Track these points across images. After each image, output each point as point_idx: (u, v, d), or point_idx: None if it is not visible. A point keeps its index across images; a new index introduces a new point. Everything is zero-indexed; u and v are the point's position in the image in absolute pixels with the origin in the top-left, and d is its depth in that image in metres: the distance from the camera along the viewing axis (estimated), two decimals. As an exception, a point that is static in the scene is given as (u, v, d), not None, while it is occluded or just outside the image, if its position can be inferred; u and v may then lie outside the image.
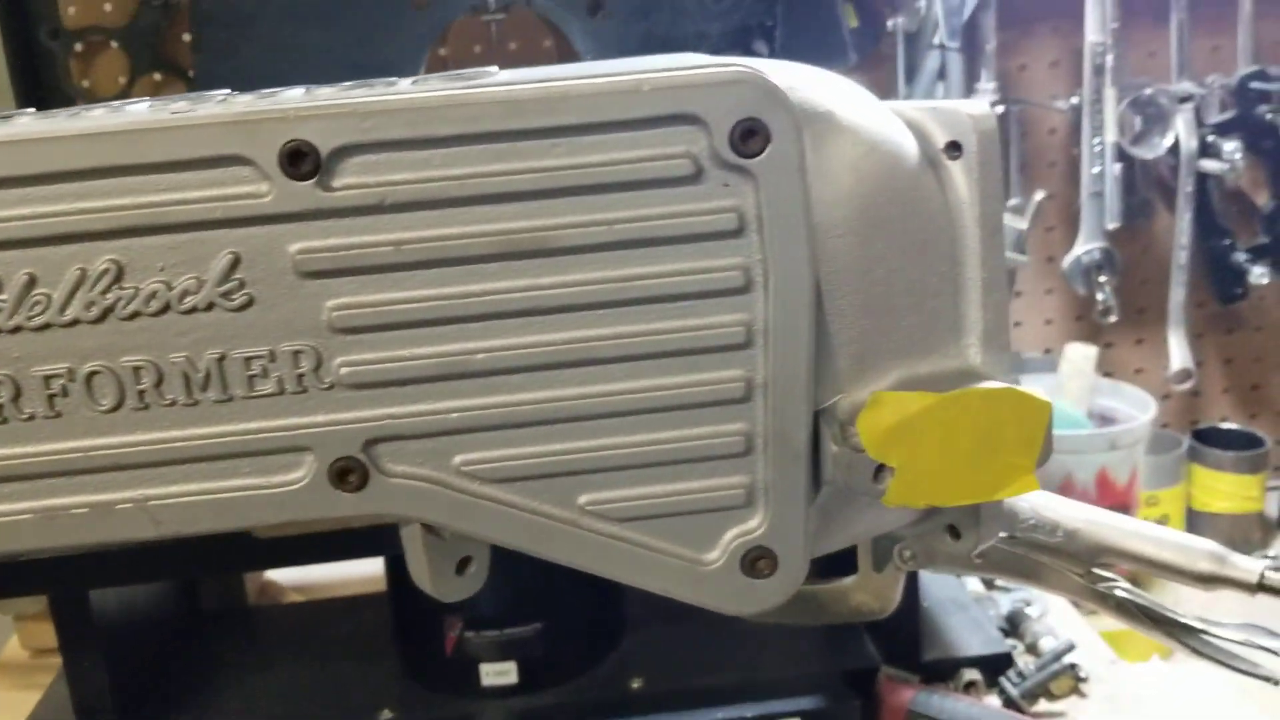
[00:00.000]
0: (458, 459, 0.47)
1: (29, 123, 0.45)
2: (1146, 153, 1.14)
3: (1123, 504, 1.04)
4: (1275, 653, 0.66)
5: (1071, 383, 1.12)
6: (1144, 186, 1.21)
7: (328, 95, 0.45)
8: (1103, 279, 1.20)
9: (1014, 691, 0.82)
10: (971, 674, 0.84)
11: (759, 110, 0.44)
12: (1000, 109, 1.13)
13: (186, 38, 1.10)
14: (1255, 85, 1.15)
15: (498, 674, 0.81)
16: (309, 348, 0.45)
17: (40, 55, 1.08)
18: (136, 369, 0.45)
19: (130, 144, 0.42)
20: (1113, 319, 1.22)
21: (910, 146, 0.52)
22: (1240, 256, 1.20)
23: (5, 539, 0.45)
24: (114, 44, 1.10)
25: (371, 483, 0.46)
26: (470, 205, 0.44)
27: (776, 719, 0.76)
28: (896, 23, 1.13)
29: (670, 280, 0.45)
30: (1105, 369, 1.32)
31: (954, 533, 0.59)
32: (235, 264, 0.44)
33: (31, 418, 0.44)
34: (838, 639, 0.84)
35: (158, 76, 1.11)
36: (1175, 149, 1.15)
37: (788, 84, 0.49)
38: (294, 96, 0.46)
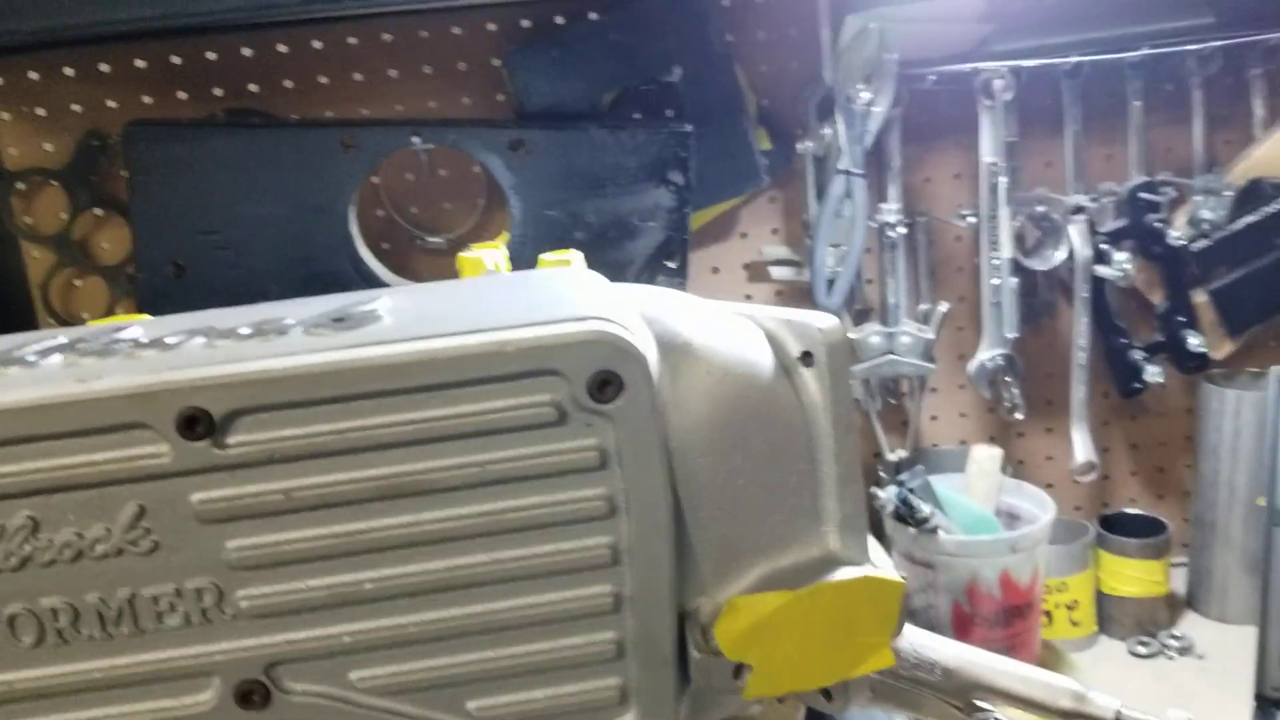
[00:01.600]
0: (354, 675, 0.51)
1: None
2: (1041, 264, 1.20)
3: (1026, 601, 1.10)
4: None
5: (978, 483, 1.18)
6: (1045, 289, 1.27)
7: (224, 354, 0.49)
8: (1008, 379, 1.27)
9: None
10: (885, 789, 0.89)
11: (612, 363, 0.49)
12: (904, 229, 1.19)
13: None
14: (1143, 195, 1.22)
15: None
16: (212, 584, 0.49)
17: (-18, 197, 1.12)
18: (54, 610, 0.49)
19: (42, 417, 0.47)
20: (1019, 417, 1.28)
21: (764, 362, 0.58)
22: (1137, 355, 1.26)
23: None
24: (54, 183, 1.14)
25: (274, 701, 0.51)
26: (353, 454, 0.49)
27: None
28: (806, 147, 1.18)
29: (542, 511, 0.50)
30: (1019, 457, 1.38)
31: (827, 695, 0.64)
32: (140, 514, 0.48)
33: (-43, 656, 0.49)
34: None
35: (99, 212, 1.15)
36: (1072, 255, 1.22)
37: (651, 315, 0.54)
38: (193, 353, 0.50)
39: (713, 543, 0.54)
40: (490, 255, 0.80)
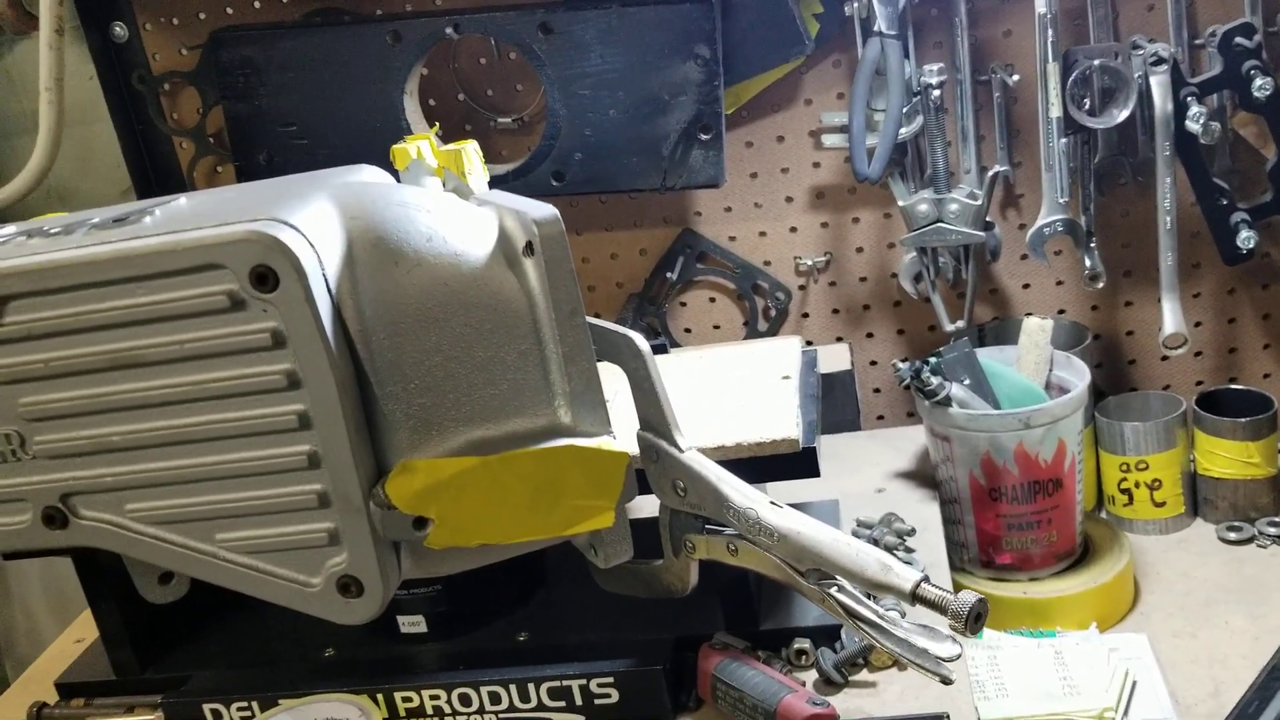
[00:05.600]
0: (129, 507, 0.64)
1: None
2: (1102, 123, 1.11)
3: (1051, 477, 1.06)
4: (942, 658, 0.72)
5: (1028, 355, 1.13)
6: (1115, 148, 1.18)
7: (16, 250, 0.62)
8: (1092, 245, 1.19)
9: (826, 662, 0.90)
10: (802, 643, 0.92)
11: (267, 259, 0.57)
12: (938, 91, 1.14)
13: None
14: (1239, 40, 1.09)
15: (411, 624, 0.98)
16: (14, 431, 0.63)
17: (135, 97, 1.33)
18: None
19: None
20: (1099, 285, 1.20)
21: (476, 252, 0.63)
22: (1237, 217, 1.14)
23: None
24: (190, 85, 1.32)
25: (71, 524, 0.65)
26: (85, 332, 0.60)
27: (593, 678, 0.89)
28: (853, 8, 1.16)
29: (234, 382, 0.60)
30: (1128, 327, 1.30)
31: (593, 551, 0.71)
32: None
33: None
34: (694, 607, 0.94)
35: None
36: (1149, 114, 1.11)
37: (355, 214, 0.62)
38: (4, 249, 0.63)
39: (408, 412, 0.62)
40: (414, 146, 0.88)
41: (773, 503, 0.78)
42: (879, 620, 0.74)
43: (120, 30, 1.31)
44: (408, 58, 1.18)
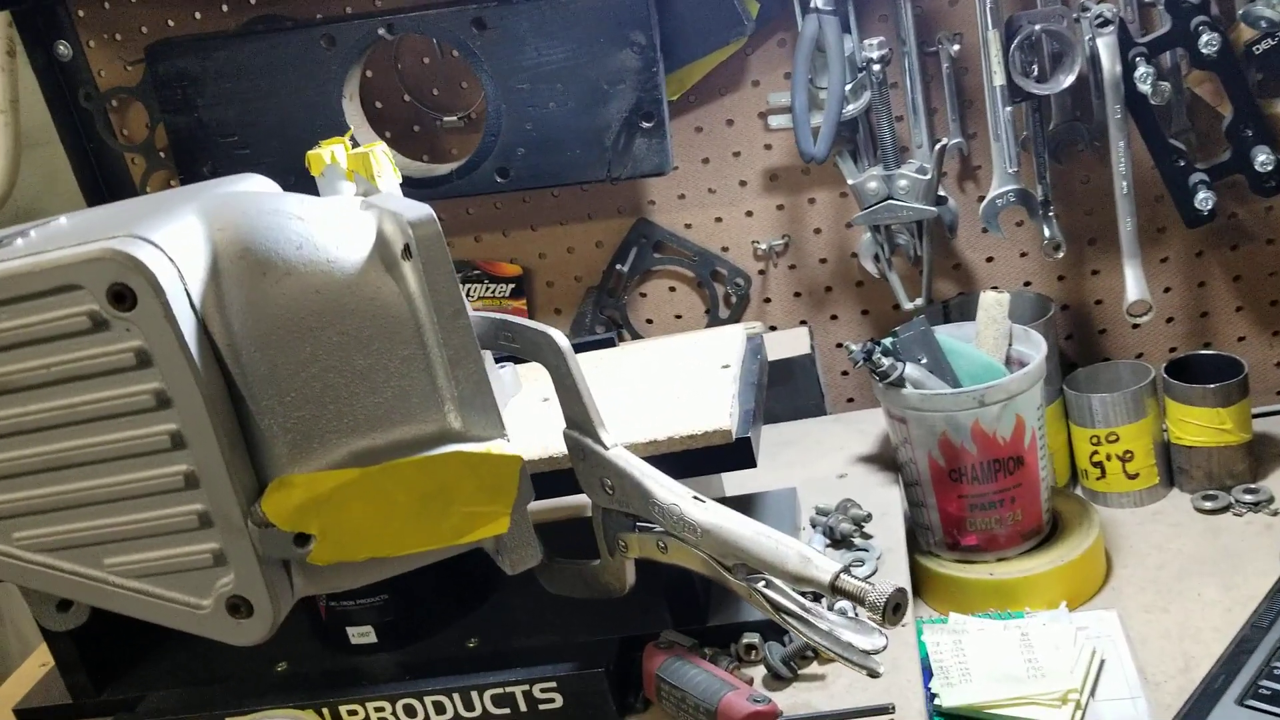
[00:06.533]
0: (16, 535, 0.63)
1: None
2: (1047, 89, 1.08)
3: (1011, 455, 1.03)
4: (866, 652, 0.70)
5: (987, 331, 1.11)
6: (1067, 114, 1.14)
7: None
8: (1050, 215, 1.16)
9: (773, 656, 0.88)
10: (750, 637, 0.90)
11: (122, 277, 0.56)
12: (879, 66, 1.11)
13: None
14: (1186, -4, 1.06)
15: (360, 635, 0.97)
16: (-95, 463, 0.62)
17: (83, 115, 1.32)
18: None
19: None
20: (1061, 254, 1.17)
21: (350, 258, 0.62)
22: (1195, 177, 1.11)
23: None
24: (136, 100, 1.31)
25: (-41, 554, 0.64)
26: (-48, 362, 0.59)
27: (535, 684, 0.87)
28: (794, -16, 1.13)
29: (103, 404, 0.59)
30: (1096, 297, 1.27)
31: (500, 557, 0.69)
32: None
33: None
34: (643, 606, 0.93)
35: (172, 121, 1.31)
36: (1101, 78, 1.08)
37: (223, 225, 0.60)
38: None
39: (286, 425, 0.60)
40: (328, 151, 0.86)
41: (695, 497, 0.76)
42: (804, 614, 0.72)
43: (64, 49, 1.30)
44: (344, 61, 1.16)
